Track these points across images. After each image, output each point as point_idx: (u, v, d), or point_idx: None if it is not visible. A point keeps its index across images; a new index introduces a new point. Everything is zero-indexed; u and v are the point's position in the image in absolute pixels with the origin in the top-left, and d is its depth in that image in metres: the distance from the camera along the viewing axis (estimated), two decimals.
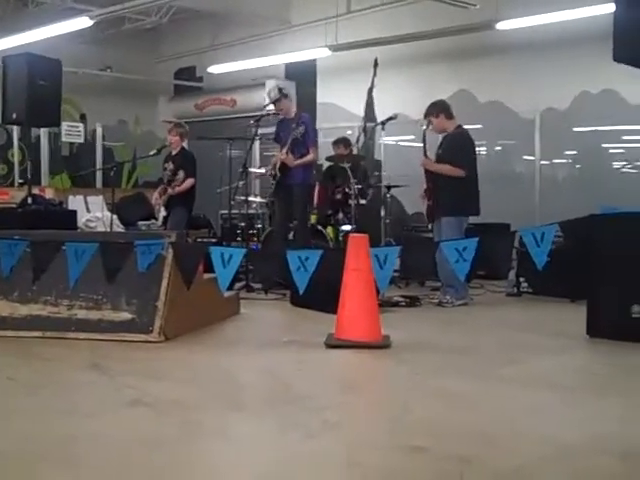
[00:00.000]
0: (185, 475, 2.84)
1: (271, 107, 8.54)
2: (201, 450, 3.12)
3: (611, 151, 9.92)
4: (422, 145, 7.34)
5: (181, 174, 8.37)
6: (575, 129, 10.07)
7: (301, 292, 5.29)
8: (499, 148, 10.94)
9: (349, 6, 11.16)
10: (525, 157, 10.45)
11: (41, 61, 7.94)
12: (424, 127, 7.28)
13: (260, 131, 9.00)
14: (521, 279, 7.66)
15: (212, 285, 5.47)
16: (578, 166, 10.31)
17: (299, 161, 8.06)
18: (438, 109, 7.30)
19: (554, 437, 3.27)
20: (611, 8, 5.65)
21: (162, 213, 8.50)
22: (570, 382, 4.34)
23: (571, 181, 10.16)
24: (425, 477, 2.84)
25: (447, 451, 3.06)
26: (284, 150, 8.13)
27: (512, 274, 7.70)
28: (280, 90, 8.31)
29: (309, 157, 8.17)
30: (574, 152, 10.21)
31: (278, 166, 8.20)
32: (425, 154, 7.27)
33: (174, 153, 8.62)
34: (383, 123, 8.37)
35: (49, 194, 9.90)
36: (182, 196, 8.41)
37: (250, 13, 12.17)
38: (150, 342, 5.17)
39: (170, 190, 8.36)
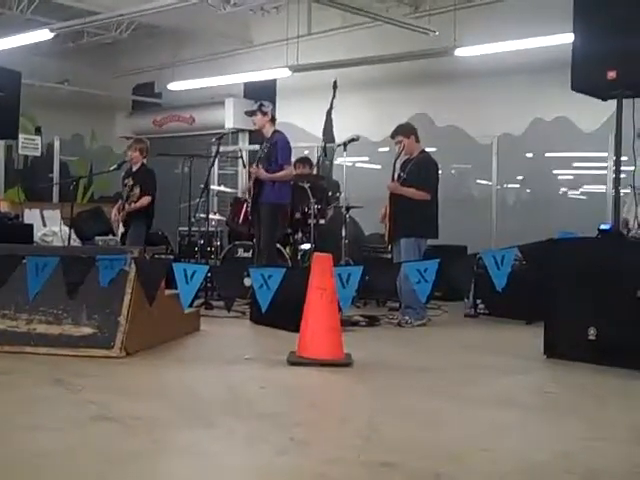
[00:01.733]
0: None
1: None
2: (169, 466, 3.12)
3: (560, 177, 10.17)
4: (392, 167, 7.37)
5: (137, 190, 8.30)
6: (528, 154, 10.30)
7: (264, 310, 5.30)
8: (455, 172, 11.11)
9: (310, 27, 11.27)
10: (481, 181, 10.63)
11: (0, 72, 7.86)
12: (398, 147, 7.32)
13: (221, 149, 8.98)
14: (478, 301, 7.78)
15: (173, 301, 5.48)
16: (530, 190, 10.54)
17: (271, 175, 7.85)
18: (409, 131, 7.39)
19: (517, 454, 3.34)
20: (569, 38, 5.83)
21: (121, 229, 8.44)
22: (530, 401, 4.43)
23: (525, 205, 10.37)
24: None
25: (416, 467, 3.11)
26: (254, 164, 8.03)
27: (470, 296, 7.81)
28: (260, 105, 8.05)
29: (281, 172, 7.89)
30: (528, 177, 10.42)
31: (251, 182, 8.09)
32: (393, 177, 7.33)
33: (134, 169, 8.55)
34: (345, 144, 8.42)
35: (4, 207, 9.75)
36: (140, 212, 8.34)
37: (211, 31, 12.19)
38: (111, 357, 5.13)
39: (127, 206, 8.31)
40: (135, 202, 8.28)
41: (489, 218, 9.87)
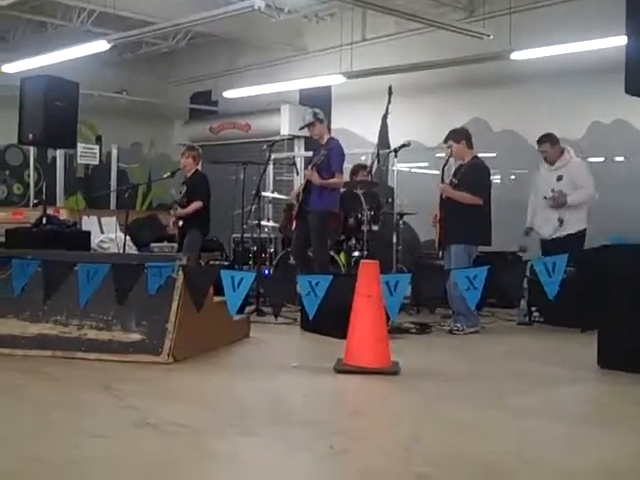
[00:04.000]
0: None
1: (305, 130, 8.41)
2: (209, 473, 3.12)
3: (618, 181, 9.91)
4: (441, 171, 7.32)
5: (189, 196, 8.41)
6: (588, 159, 10.06)
7: (311, 317, 5.31)
8: (512, 177, 10.94)
9: (364, 34, 11.25)
10: None
11: (58, 83, 8.01)
12: (449, 150, 7.29)
13: (274, 156, 9.00)
14: (533, 308, 7.64)
15: (222, 308, 5.48)
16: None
17: (324, 181, 7.84)
18: (461, 136, 7.33)
19: (560, 467, 3.25)
20: (623, 41, 5.68)
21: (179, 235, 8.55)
22: (579, 413, 4.32)
23: None
24: None
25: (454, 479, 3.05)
26: (310, 167, 8.02)
27: (523, 303, 7.67)
28: (315, 114, 8.10)
29: (333, 180, 7.92)
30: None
31: (302, 188, 8.12)
32: (442, 180, 7.27)
33: (188, 176, 8.67)
34: (396, 150, 8.38)
35: (63, 215, 9.96)
36: (195, 219, 8.43)
37: (266, 39, 12.28)
38: (159, 363, 5.18)
39: (172, 211, 8.40)
40: (185, 207, 8.38)
41: None
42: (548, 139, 7.83)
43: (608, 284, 5.41)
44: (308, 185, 7.99)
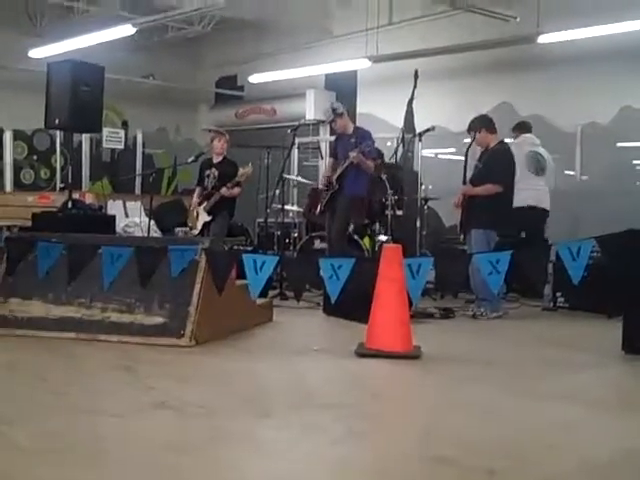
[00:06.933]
0: (208, 479, 2.83)
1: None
2: (225, 454, 3.12)
3: None
4: (463, 168, 7.29)
5: (226, 181, 8.39)
6: (617, 144, 9.93)
7: (333, 300, 5.29)
8: None
9: (390, 17, 11.16)
10: (566, 172, 10.32)
11: (84, 67, 8.03)
12: (469, 140, 7.26)
13: (299, 140, 8.97)
14: (557, 294, 7.57)
15: (244, 292, 5.48)
16: (619, 181, 10.15)
17: (364, 160, 7.83)
18: (480, 123, 7.28)
19: (583, 452, 3.21)
20: None
21: (206, 218, 8.51)
22: (603, 398, 4.26)
23: (612, 197, 10.00)
24: None
25: (473, 463, 3.02)
26: (356, 150, 7.83)
27: (548, 288, 7.60)
28: (334, 110, 8.09)
29: (370, 162, 7.97)
30: (615, 167, 10.05)
31: (337, 176, 8.10)
32: (465, 170, 7.23)
33: (217, 161, 8.63)
34: (420, 134, 8.33)
35: (89, 199, 10.02)
36: (227, 203, 8.44)
37: (292, 23, 12.24)
38: (181, 346, 5.20)
39: (224, 190, 8.33)
40: (231, 189, 8.35)
41: (573, 210, 9.58)
42: None
43: (634, 270, 5.33)
44: (346, 172, 7.95)
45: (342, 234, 8.12)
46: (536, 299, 7.79)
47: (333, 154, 8.44)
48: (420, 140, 8.34)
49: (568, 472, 2.96)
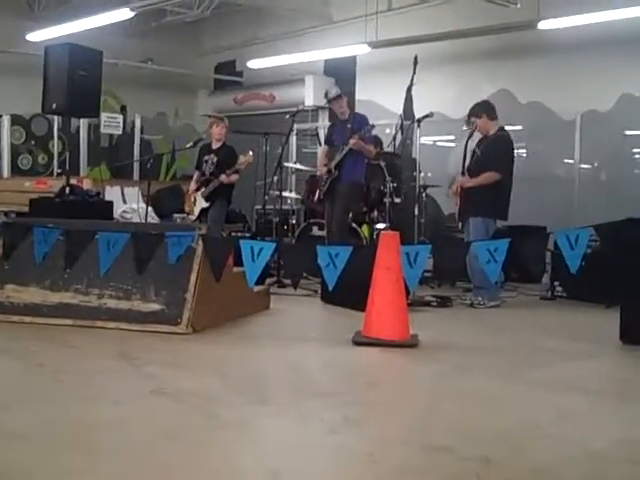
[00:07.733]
0: (203, 466, 2.83)
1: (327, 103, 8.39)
2: (220, 441, 3.12)
3: None
4: (464, 147, 7.23)
5: (224, 167, 8.36)
6: (617, 132, 9.89)
7: (330, 288, 5.28)
8: (538, 149, 10.77)
9: (390, 3, 11.09)
10: (565, 160, 10.29)
11: (82, 51, 7.95)
12: (464, 128, 7.20)
13: (298, 127, 8.93)
14: (555, 283, 7.55)
15: (242, 279, 5.45)
16: (618, 170, 10.12)
17: (364, 145, 7.82)
18: (481, 109, 7.22)
19: (578, 440, 3.22)
20: None
21: (203, 204, 8.48)
22: (599, 387, 4.27)
23: (611, 185, 9.97)
24: (442, 476, 2.80)
25: (469, 451, 3.02)
26: (356, 136, 7.81)
27: (546, 277, 7.59)
28: (326, 95, 8.15)
29: (369, 148, 7.99)
30: (614, 155, 10.02)
31: (335, 164, 8.08)
32: (464, 159, 7.18)
33: (216, 147, 8.59)
34: (419, 121, 8.29)
35: (87, 185, 9.96)
36: (226, 190, 8.41)
37: (291, 8, 12.17)
38: (178, 334, 5.19)
39: (223, 177, 8.30)
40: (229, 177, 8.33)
41: (571, 198, 9.56)
42: None
43: (632, 259, 5.31)
44: (344, 159, 7.92)
45: (342, 224, 8.08)
46: (534, 284, 7.79)
47: (328, 141, 8.40)
48: (419, 127, 8.30)
49: (565, 461, 2.96)
